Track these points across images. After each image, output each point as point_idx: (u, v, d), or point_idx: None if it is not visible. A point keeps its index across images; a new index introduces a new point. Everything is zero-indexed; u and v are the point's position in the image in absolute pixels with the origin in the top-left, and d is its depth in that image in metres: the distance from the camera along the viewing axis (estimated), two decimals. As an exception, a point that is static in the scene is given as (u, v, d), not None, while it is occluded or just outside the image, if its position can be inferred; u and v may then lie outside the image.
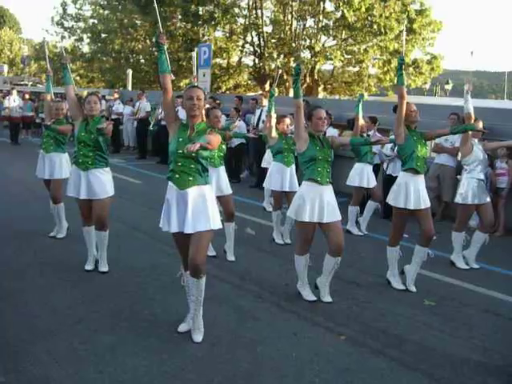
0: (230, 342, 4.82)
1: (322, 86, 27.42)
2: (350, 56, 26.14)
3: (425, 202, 6.22)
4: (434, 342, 5.02)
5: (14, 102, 19.83)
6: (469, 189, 7.23)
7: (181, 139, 4.65)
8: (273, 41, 27.00)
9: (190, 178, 4.63)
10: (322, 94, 27.06)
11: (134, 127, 17.71)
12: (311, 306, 5.76)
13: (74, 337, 4.74)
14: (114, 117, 17.37)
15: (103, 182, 6.32)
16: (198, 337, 4.79)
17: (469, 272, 7.13)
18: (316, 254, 5.96)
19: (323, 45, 26.29)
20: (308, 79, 26.49)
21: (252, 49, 27.88)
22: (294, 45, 25.80)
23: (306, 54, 26.23)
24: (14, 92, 20.69)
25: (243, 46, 28.23)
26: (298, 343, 4.86)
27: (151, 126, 15.61)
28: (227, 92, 27.25)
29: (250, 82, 29.59)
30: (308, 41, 26.21)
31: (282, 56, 26.27)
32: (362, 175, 8.97)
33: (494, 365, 4.65)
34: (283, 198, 8.10)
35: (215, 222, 4.69)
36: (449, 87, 47.32)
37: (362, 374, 4.37)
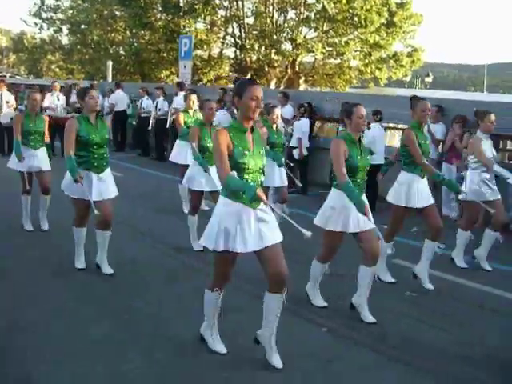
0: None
1: (304, 78, 27.45)
2: (331, 48, 26.21)
3: (430, 199, 6.06)
4: (418, 335, 5.03)
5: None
6: (472, 185, 6.84)
7: (246, 152, 4.00)
8: (254, 32, 26.95)
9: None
10: (303, 86, 27.10)
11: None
12: (293, 298, 5.74)
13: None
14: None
15: (113, 180, 6.13)
16: (279, 362, 4.27)
17: (451, 264, 7.13)
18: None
19: (304, 37, 26.30)
20: (289, 71, 26.51)
21: (233, 40, 27.83)
22: (275, 37, 25.77)
23: (287, 46, 26.24)
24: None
25: (224, 38, 28.17)
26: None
27: (133, 121, 15.59)
28: (208, 84, 27.16)
29: (231, 73, 29.50)
30: (289, 33, 26.18)
31: (263, 48, 26.23)
32: None
33: (484, 358, 4.69)
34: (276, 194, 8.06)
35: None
36: (429, 79, 47.65)
37: (345, 367, 4.38)
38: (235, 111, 12.93)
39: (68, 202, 6.20)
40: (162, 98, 15.01)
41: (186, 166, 8.96)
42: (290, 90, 16.57)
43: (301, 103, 11.71)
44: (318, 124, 13.44)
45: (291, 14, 26.59)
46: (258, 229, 4.12)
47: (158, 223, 8.29)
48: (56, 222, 7.66)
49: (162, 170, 11.99)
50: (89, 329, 4.80)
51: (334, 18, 24.14)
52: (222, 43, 28.36)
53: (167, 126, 13.91)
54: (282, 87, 25.85)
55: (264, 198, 3.83)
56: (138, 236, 7.52)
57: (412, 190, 5.97)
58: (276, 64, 26.78)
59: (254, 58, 26.90)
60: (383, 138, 10.58)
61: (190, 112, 9.00)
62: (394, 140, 13.58)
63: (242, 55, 27.01)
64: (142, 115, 15.48)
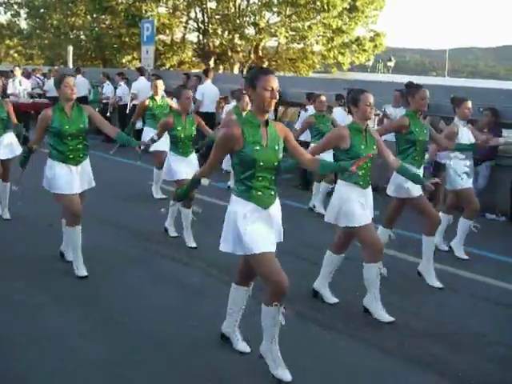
0: (178, 319, 4.83)
1: (267, 63, 27.39)
2: (294, 33, 26.19)
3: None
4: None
5: None
6: (454, 173, 6.76)
7: (258, 147, 3.73)
8: (217, 17, 26.75)
9: (272, 193, 3.88)
10: (266, 71, 27.03)
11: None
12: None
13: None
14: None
15: (90, 172, 5.80)
16: (288, 374, 3.88)
17: (418, 246, 7.25)
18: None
19: (267, 21, 26.23)
20: (253, 56, 26.45)
21: (196, 25, 27.59)
22: (238, 21, 25.64)
23: (250, 31, 26.14)
24: None
25: (187, 23, 27.91)
26: (246, 320, 4.90)
27: (96, 107, 15.38)
28: (171, 69, 26.92)
29: (194, 58, 29.29)
30: (252, 17, 26.08)
31: (226, 33, 26.08)
32: None
33: (437, 334, 4.82)
34: None
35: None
36: (391, 64, 48.08)
37: (311, 348, 4.45)
38: (198, 97, 12.92)
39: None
40: (122, 83, 14.86)
41: (161, 152, 8.94)
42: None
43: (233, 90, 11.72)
44: (281, 109, 13.48)
45: (254, -3, 26.49)
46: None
47: (122, 210, 8.24)
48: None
49: (125, 156, 11.88)
50: (39, 315, 4.79)
51: (297, 3, 24.11)
52: (185, 28, 28.10)
53: (127, 111, 13.83)
54: (245, 72, 25.77)
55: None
56: (101, 223, 7.46)
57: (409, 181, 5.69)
58: (239, 49, 26.68)
59: (217, 42, 26.74)
60: (346, 123, 10.68)
61: (157, 98, 8.95)
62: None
63: (205, 40, 26.81)
64: (104, 101, 15.32)
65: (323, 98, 9.05)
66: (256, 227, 3.76)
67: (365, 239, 4.97)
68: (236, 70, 26.45)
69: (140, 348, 4.30)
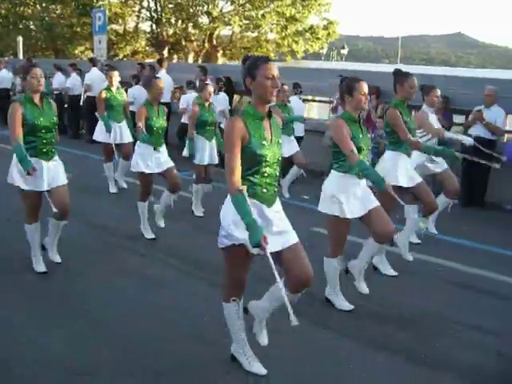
0: (139, 309, 4.83)
1: (221, 52, 27.34)
2: (248, 21, 26.17)
3: (418, 177, 5.93)
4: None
5: None
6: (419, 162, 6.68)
7: (264, 142, 3.52)
8: (170, 6, 26.52)
9: (275, 190, 3.69)
10: (221, 60, 26.99)
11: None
12: (220, 271, 5.84)
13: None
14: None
15: (62, 167, 5.54)
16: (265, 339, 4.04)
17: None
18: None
19: (221, 10, 26.13)
20: (207, 45, 26.34)
21: (149, 14, 27.29)
22: (191, 10, 25.48)
23: (204, 20, 26.00)
24: None
25: (139, 12, 27.57)
26: (209, 309, 4.93)
27: (49, 98, 15.09)
28: (125, 59, 26.59)
29: (147, 48, 28.98)
30: (206, 6, 25.93)
31: (179, 22, 25.88)
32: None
33: (387, 315, 4.94)
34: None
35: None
36: (345, 52, 48.38)
37: (271, 332, 4.51)
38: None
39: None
40: (74, 74, 14.63)
41: (108, 145, 8.87)
42: (208, 64, 16.50)
43: (219, 77, 11.70)
44: (236, 97, 13.48)
45: (207, -14, 26.33)
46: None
47: (79, 202, 8.14)
48: None
49: (78, 148, 11.76)
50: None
51: (250, -9, 24.13)
52: (138, 17, 27.75)
53: (81, 103, 13.65)
54: (199, 61, 25.66)
55: (267, 248, 3.27)
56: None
57: (400, 170, 5.74)
58: (193, 38, 26.53)
59: (171, 31, 26.52)
60: (303, 111, 10.75)
61: (113, 89, 8.87)
62: (312, 112, 13.79)
63: (159, 29, 26.55)
64: (55, 92, 15.06)
65: (286, 87, 8.96)
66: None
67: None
68: (191, 60, 26.30)
69: (101, 339, 4.29)
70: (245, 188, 3.38)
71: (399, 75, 5.72)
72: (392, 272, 5.88)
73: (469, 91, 9.22)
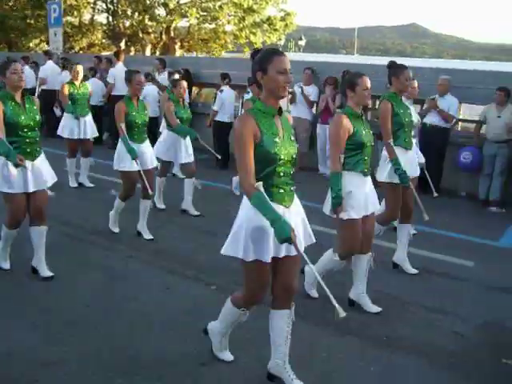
0: (104, 302, 4.86)
1: (179, 44, 27.18)
2: (205, 13, 26.06)
3: (417, 170, 5.88)
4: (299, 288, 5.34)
5: None
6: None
7: (277, 139, 3.32)
8: (126, -3, 26.23)
9: (292, 188, 3.48)
10: (179, 52, 26.84)
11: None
12: (182, 260, 5.93)
13: None
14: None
15: (48, 166, 5.31)
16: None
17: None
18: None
19: (178, 2, 25.97)
20: (164, 37, 26.17)
21: (105, 6, 26.95)
22: (148, 2, 25.26)
23: (161, 12, 25.81)
24: None
25: (95, 3, 27.17)
26: (171, 297, 5.01)
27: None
28: (81, 52, 26.23)
29: (104, 40, 28.63)
30: (162, -3, 25.75)
31: (136, 14, 25.63)
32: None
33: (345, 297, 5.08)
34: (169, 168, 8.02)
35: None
36: (302, 43, 48.62)
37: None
38: (110, 79, 12.70)
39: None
40: (27, 67, 14.41)
41: (73, 140, 8.80)
42: (166, 57, 16.44)
43: (177, 69, 11.69)
44: (195, 90, 13.49)
45: (163, -22, 26.11)
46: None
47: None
48: None
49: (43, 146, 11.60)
50: None
51: (207, -17, 24.06)
52: (93, 9, 27.36)
53: (35, 96, 13.44)
54: (157, 53, 25.48)
55: (297, 242, 3.14)
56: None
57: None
58: (150, 30, 26.30)
59: (128, 24, 26.26)
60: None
61: (77, 83, 8.79)
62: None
63: (115, 21, 26.25)
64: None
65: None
66: (270, 233, 3.28)
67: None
68: (148, 52, 26.09)
69: (69, 331, 4.31)
70: (261, 184, 3.20)
71: (394, 68, 5.57)
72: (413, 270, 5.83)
73: (423, 81, 9.43)
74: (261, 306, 3.67)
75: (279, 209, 3.30)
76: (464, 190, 9.48)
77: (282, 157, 3.32)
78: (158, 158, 7.21)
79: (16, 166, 4.81)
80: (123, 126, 6.41)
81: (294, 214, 3.47)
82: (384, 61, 6.96)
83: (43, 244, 5.30)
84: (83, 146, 8.92)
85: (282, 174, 3.36)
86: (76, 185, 9.04)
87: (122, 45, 25.49)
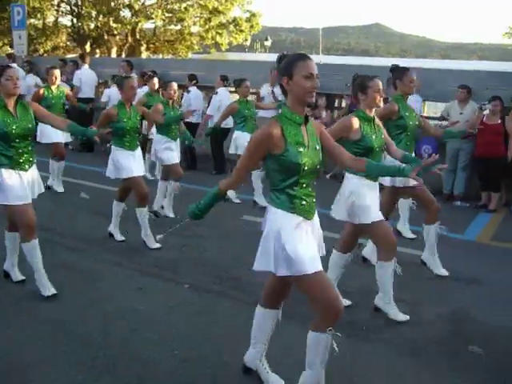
0: (79, 303, 4.88)
1: (145, 46, 27.11)
2: (170, 14, 26.05)
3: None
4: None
5: None
6: None
7: (301, 149, 3.19)
8: (90, -1, 26.06)
9: (315, 200, 3.35)
10: (145, 54, 26.77)
11: None
12: (154, 260, 5.97)
13: None
14: None
15: (39, 176, 5.11)
16: None
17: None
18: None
19: (143, 3, 25.90)
20: (130, 39, 26.07)
21: (69, 8, 26.73)
22: (112, 4, 25.13)
23: (126, 13, 25.70)
24: None
25: (59, 6, 26.95)
26: (145, 298, 5.05)
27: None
28: (45, 55, 25.96)
29: (69, 43, 28.39)
30: (127, -1, 25.67)
31: (101, 16, 25.47)
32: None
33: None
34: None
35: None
36: (268, 43, 48.83)
37: (212, 316, 4.70)
38: (75, 82, 12.60)
39: None
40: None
41: (52, 144, 8.69)
42: (132, 59, 16.41)
43: (144, 71, 11.72)
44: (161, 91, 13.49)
45: (128, -21, 26.01)
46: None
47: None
48: None
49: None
50: None
51: (172, -16, 24.08)
52: (57, 11, 27.13)
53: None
54: (123, 55, 25.37)
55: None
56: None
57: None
58: (116, 32, 26.17)
59: (92, 26, 26.08)
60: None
61: (53, 88, 8.67)
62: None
63: (80, 23, 26.04)
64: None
65: (248, 82, 8.61)
66: (305, 243, 3.21)
67: (379, 236, 4.62)
68: (114, 54, 25.94)
69: (42, 333, 4.32)
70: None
71: (397, 71, 5.58)
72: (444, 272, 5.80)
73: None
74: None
75: (296, 220, 3.21)
76: (428, 184, 9.67)
77: (306, 167, 3.19)
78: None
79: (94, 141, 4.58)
80: (102, 130, 5.87)
81: (317, 228, 3.39)
82: (349, 60, 7.13)
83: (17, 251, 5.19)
84: (55, 149, 8.81)
85: (304, 184, 3.24)
86: (63, 190, 8.87)
87: (87, 47, 25.34)
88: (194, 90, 10.86)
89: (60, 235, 6.73)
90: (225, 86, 10.52)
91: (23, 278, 5.28)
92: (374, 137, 4.53)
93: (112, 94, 11.30)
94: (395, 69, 5.65)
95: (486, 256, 6.63)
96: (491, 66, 23.17)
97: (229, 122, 9.48)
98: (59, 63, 14.00)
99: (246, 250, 5.78)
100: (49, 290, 4.94)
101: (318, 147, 3.31)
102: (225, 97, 10.33)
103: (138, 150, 6.49)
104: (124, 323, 4.53)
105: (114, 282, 5.40)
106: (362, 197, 4.49)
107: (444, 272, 5.79)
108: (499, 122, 8.63)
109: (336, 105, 11.85)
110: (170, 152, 7.46)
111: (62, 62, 14.07)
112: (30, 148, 4.88)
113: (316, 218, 3.39)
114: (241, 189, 8.71)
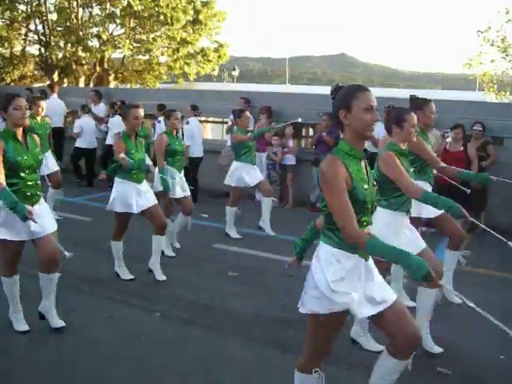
0: (50, 332, 4.86)
1: (113, 75, 27.16)
2: (138, 44, 26.20)
3: None
4: (238, 306, 5.60)
5: None
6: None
7: (366, 186, 2.99)
8: (59, 29, 26.05)
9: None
10: (113, 84, 26.81)
11: None
12: (125, 289, 5.98)
13: None
14: None
15: (50, 211, 4.95)
16: None
17: (267, 243, 7.80)
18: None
19: (111, 33, 26.03)
20: (98, 68, 26.12)
21: (37, 37, 26.67)
22: (81, 33, 25.19)
23: (94, 43, 25.76)
24: None
25: (26, 35, 26.86)
26: (116, 325, 5.07)
27: None
28: (12, 84, 25.81)
29: (36, 72, 28.26)
30: (95, 29, 25.74)
31: (69, 45, 25.48)
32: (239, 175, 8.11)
33: (290, 318, 5.25)
34: None
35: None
36: (236, 73, 49.40)
37: (179, 342, 4.76)
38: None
39: None
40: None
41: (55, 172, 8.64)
42: (101, 88, 16.49)
43: (113, 101, 11.81)
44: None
45: (96, 9, 26.12)
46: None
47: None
48: None
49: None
50: None
51: (140, 15, 24.23)
52: (25, 40, 27.02)
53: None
54: (91, 85, 25.36)
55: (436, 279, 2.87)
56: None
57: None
58: (84, 61, 26.19)
59: (60, 55, 26.04)
60: (201, 132, 11.00)
61: (38, 118, 8.59)
62: (206, 133, 14.11)
63: (47, 53, 25.99)
64: None
65: (248, 113, 8.36)
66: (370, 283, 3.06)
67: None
68: (82, 83, 25.93)
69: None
70: (370, 228, 3.03)
71: (418, 103, 5.38)
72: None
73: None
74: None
75: (355, 261, 2.99)
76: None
77: (369, 205, 3.01)
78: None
79: (24, 219, 4.26)
80: (123, 155, 5.85)
81: (373, 267, 3.15)
82: (315, 90, 7.31)
83: (53, 291, 4.90)
84: (51, 178, 8.71)
85: (365, 223, 3.02)
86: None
87: (55, 76, 25.27)
88: (193, 120, 10.56)
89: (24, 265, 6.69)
90: (195, 116, 10.65)
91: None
92: (410, 171, 4.47)
93: (83, 123, 11.34)
94: (415, 100, 5.44)
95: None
96: (454, 95, 23.78)
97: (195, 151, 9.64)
98: (26, 93, 13.98)
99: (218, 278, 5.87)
100: (23, 325, 4.85)
101: (375, 184, 3.16)
102: (196, 126, 10.47)
103: (145, 183, 6.18)
104: (92, 352, 4.52)
105: (86, 310, 5.39)
106: (390, 233, 4.19)
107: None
108: (461, 149, 8.88)
109: (303, 134, 12.10)
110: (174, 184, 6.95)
111: (29, 91, 14.03)
112: (38, 181, 4.68)
113: (371, 261, 3.16)
114: (213, 217, 8.85)
